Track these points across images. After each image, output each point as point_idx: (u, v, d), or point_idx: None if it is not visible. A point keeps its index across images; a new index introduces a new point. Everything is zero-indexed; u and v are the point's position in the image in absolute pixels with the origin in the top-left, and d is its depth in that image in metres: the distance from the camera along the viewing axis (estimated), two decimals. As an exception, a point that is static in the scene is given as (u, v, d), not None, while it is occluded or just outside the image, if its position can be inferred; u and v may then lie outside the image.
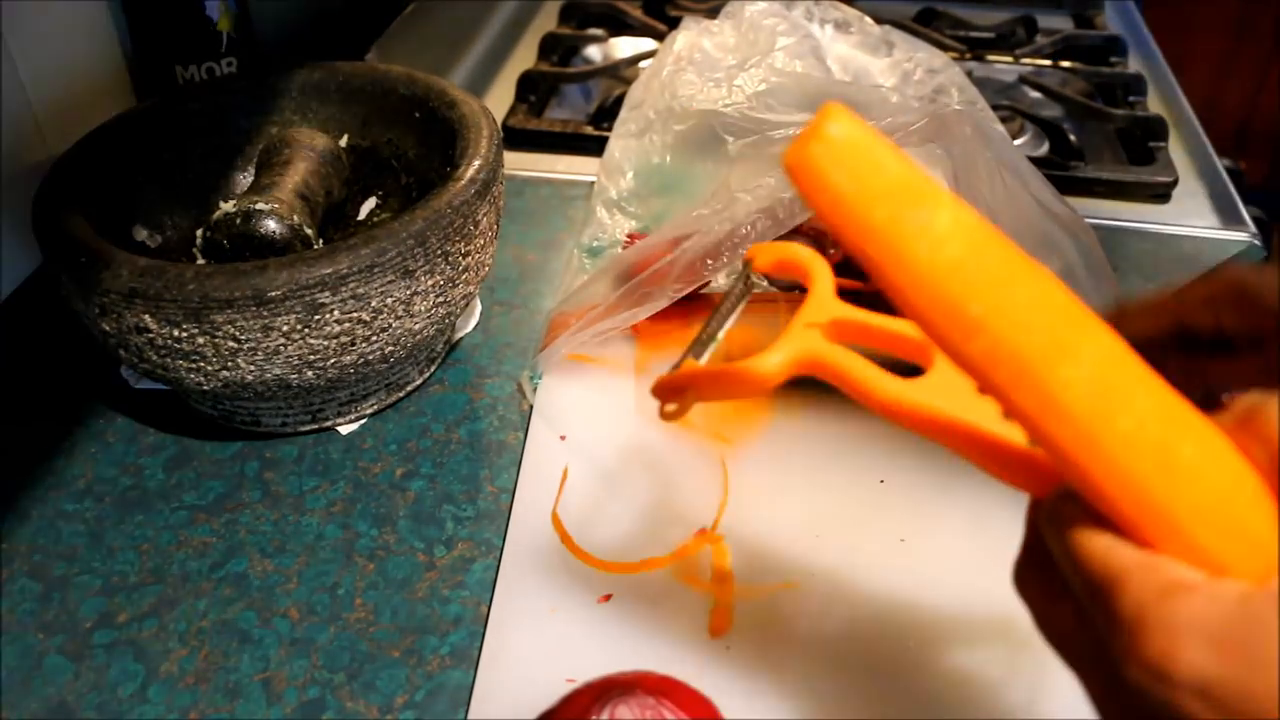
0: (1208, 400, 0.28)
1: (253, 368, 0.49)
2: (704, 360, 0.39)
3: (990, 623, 0.45)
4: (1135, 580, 0.26)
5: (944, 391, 0.32)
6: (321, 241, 0.58)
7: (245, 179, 0.64)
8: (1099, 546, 0.27)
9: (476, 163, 0.54)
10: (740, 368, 0.35)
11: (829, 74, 0.62)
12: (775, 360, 0.34)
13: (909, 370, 0.33)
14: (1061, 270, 0.53)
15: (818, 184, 0.26)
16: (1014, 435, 0.31)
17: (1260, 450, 0.26)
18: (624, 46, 1.01)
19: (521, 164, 0.81)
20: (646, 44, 0.99)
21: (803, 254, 0.38)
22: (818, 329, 0.35)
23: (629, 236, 0.65)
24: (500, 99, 0.90)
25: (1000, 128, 0.58)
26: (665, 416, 0.38)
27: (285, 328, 0.48)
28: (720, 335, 0.40)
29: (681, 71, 0.62)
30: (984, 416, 0.31)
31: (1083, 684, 0.29)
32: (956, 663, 0.44)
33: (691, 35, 0.65)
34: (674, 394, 0.38)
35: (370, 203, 0.64)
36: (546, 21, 1.06)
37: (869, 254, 0.27)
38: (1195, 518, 0.26)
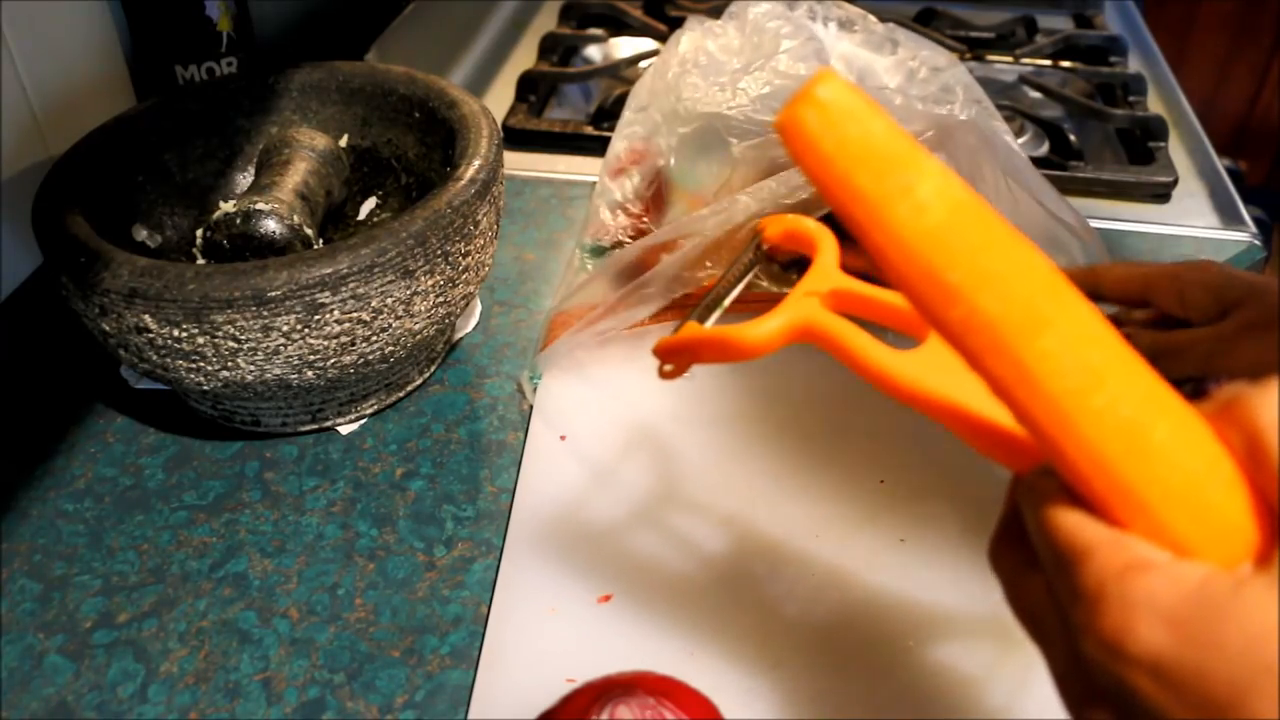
0: (1196, 392, 0.28)
1: (253, 368, 0.49)
2: (709, 324, 0.40)
3: (990, 624, 0.45)
4: (1100, 555, 0.26)
5: (935, 365, 0.33)
6: (321, 241, 0.58)
7: (245, 179, 0.64)
8: (1069, 521, 0.27)
9: (476, 163, 0.54)
10: (739, 332, 0.36)
11: None
12: (773, 325, 0.35)
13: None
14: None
15: (806, 146, 0.27)
16: (1001, 413, 0.31)
17: (1238, 438, 0.27)
18: (624, 46, 1.01)
19: (521, 164, 0.81)
20: (646, 44, 0.99)
21: (810, 226, 0.40)
22: (817, 297, 0.36)
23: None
24: (500, 99, 0.90)
25: (1006, 134, 0.57)
26: (664, 376, 0.39)
27: (285, 328, 0.48)
28: (726, 302, 0.41)
29: (686, 74, 0.62)
30: (973, 392, 0.31)
31: (1046, 660, 0.29)
32: (956, 664, 0.44)
33: (696, 37, 0.65)
34: (674, 355, 0.39)
35: (370, 203, 0.64)
36: (546, 21, 1.06)
37: (854, 216, 0.27)
38: (1165, 499, 0.26)
